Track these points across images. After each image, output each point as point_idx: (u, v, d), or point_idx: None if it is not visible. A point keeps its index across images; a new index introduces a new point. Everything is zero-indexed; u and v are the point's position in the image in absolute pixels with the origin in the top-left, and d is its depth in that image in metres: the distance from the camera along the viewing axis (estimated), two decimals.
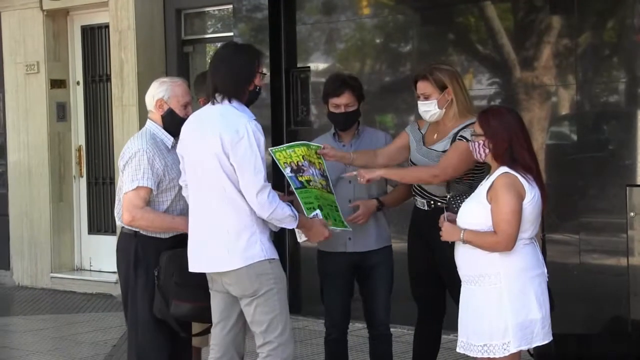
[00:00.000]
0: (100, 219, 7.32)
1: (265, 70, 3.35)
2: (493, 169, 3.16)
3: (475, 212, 3.13)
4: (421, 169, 3.67)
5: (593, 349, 4.42)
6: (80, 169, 7.39)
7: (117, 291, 6.86)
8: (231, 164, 3.18)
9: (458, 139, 3.58)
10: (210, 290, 3.36)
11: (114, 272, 6.99)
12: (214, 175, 3.21)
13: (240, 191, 3.20)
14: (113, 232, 6.95)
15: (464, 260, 3.17)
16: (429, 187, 3.72)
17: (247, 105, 3.31)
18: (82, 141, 7.39)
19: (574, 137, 5.04)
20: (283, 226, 3.28)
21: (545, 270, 3.16)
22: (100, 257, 7.27)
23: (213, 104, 3.27)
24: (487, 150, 3.14)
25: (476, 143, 3.17)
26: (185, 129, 3.36)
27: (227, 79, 3.23)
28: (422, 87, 3.70)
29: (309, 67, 5.97)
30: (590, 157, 4.91)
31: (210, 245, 3.26)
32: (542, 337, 3.09)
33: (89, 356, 5.38)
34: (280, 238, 5.95)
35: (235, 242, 3.21)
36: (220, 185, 3.21)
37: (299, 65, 5.99)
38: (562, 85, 5.04)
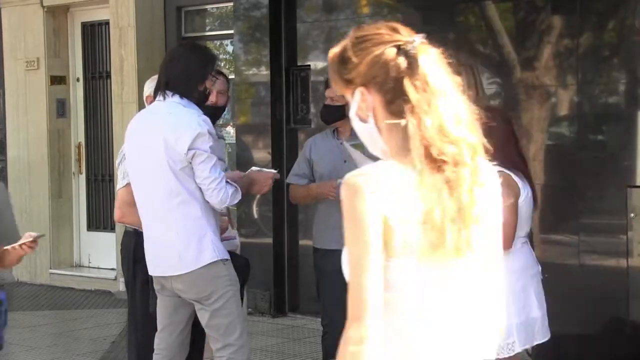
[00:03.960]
0: (100, 216, 7.29)
1: (217, 75, 3.35)
2: None
3: None
4: None
5: (592, 349, 4.39)
6: (80, 166, 7.36)
7: (115, 287, 6.83)
8: (180, 163, 3.12)
9: None
10: (157, 294, 3.31)
11: (113, 269, 7.00)
12: (161, 176, 3.14)
13: (189, 191, 3.14)
14: (112, 229, 6.91)
15: None
16: None
17: (197, 104, 3.26)
18: (81, 138, 7.36)
19: (574, 137, 5.02)
20: (233, 203, 3.23)
21: (540, 269, 3.15)
22: (99, 253, 7.23)
23: (164, 99, 3.22)
24: None
25: None
26: (130, 127, 3.32)
27: (180, 75, 3.20)
28: None
29: (308, 65, 5.93)
30: (590, 158, 4.88)
31: (163, 248, 3.21)
32: (542, 334, 3.08)
33: (87, 352, 5.34)
34: (278, 235, 5.92)
35: (186, 245, 3.15)
36: (168, 186, 3.15)
37: (298, 63, 5.95)
38: (563, 85, 5.01)
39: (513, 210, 3.01)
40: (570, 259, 4.85)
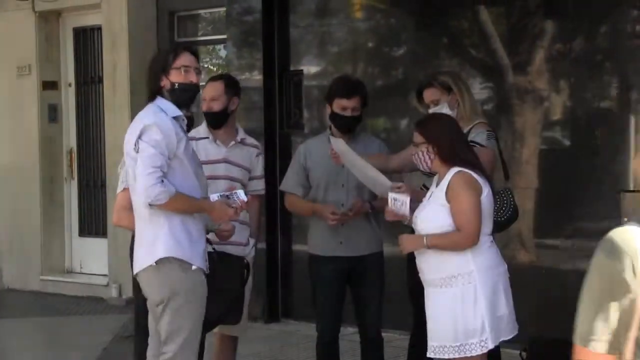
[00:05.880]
0: (91, 222, 7.25)
1: (179, 66, 3.20)
2: (442, 174, 3.19)
3: (434, 215, 3.16)
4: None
5: None
6: (72, 172, 7.32)
7: (107, 294, 6.79)
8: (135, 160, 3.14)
9: (471, 143, 3.51)
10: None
11: (105, 275, 6.96)
12: (130, 175, 3.21)
13: None
14: (104, 235, 6.88)
15: (431, 264, 3.18)
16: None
17: (181, 104, 3.24)
18: (73, 143, 7.32)
19: (567, 142, 5.03)
20: (158, 204, 3.09)
21: (506, 267, 3.21)
22: (90, 259, 7.19)
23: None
24: (432, 156, 3.19)
25: (419, 153, 3.21)
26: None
27: (146, 78, 3.26)
28: (430, 94, 3.72)
29: (301, 70, 5.93)
30: (583, 163, 4.89)
31: (135, 247, 3.26)
32: (509, 331, 3.15)
33: (79, 359, 5.29)
34: (271, 240, 5.90)
35: (141, 243, 3.18)
36: (131, 186, 3.21)
37: (291, 68, 5.95)
38: (556, 90, 5.02)
39: (476, 207, 3.09)
40: (565, 263, 4.85)
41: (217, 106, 3.82)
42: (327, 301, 3.88)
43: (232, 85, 3.92)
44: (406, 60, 5.64)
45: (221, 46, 6.61)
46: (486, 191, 3.13)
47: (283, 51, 5.94)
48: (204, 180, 3.50)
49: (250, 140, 4.02)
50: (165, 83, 3.20)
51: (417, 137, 3.22)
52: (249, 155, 3.95)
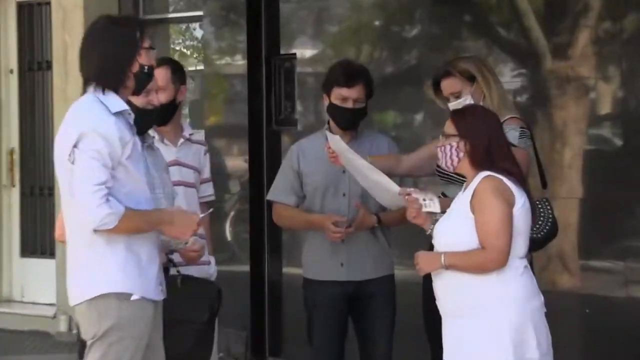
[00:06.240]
0: (36, 239, 7.24)
1: (148, 45, 3.18)
2: (470, 178, 3.20)
3: (456, 229, 3.15)
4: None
5: None
6: (12, 177, 7.31)
7: (55, 328, 6.76)
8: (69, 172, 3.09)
9: None
10: None
11: (52, 304, 6.93)
12: (64, 189, 3.13)
13: None
14: (51, 255, 6.86)
15: (448, 290, 3.19)
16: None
17: (139, 90, 3.24)
18: (14, 143, 7.31)
19: (619, 141, 5.04)
20: (105, 228, 3.05)
21: (543, 299, 3.20)
22: (34, 285, 7.18)
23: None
24: (460, 155, 3.19)
25: (447, 146, 3.21)
26: None
27: (101, 64, 3.12)
28: (449, 84, 3.74)
29: (294, 54, 5.94)
30: (638, 166, 4.88)
31: (68, 273, 3.23)
32: None
33: None
34: (257, 262, 5.89)
35: (77, 272, 3.15)
36: (65, 201, 3.15)
37: (282, 52, 5.95)
38: (604, 78, 5.03)
39: (505, 221, 3.07)
40: (615, 289, 4.86)
41: (164, 97, 3.82)
42: (325, 336, 3.89)
43: (179, 72, 3.96)
44: (421, 41, 5.66)
45: (196, 25, 6.62)
46: (520, 202, 3.12)
47: (272, 32, 5.94)
48: (168, 188, 3.49)
49: (197, 136, 4.12)
50: (135, 66, 3.16)
51: (450, 128, 3.22)
52: (198, 154, 4.04)
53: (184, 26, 6.81)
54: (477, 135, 3.17)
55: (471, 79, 3.70)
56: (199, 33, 6.61)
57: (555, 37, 5.14)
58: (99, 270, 3.09)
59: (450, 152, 3.20)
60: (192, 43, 6.80)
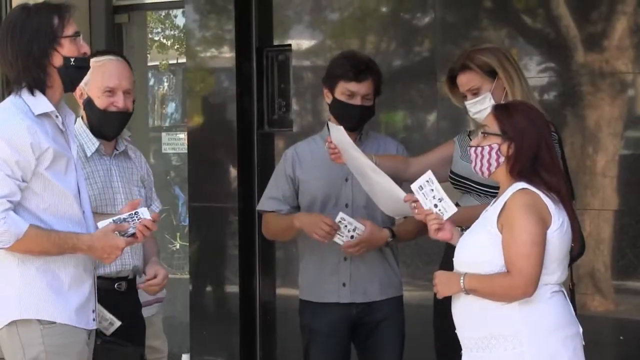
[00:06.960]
0: None
1: (72, 33, 3.11)
2: (503, 187, 3.14)
3: (480, 247, 3.10)
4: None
5: None
6: None
7: None
8: None
9: None
10: None
11: None
12: None
13: None
14: None
15: (467, 317, 3.15)
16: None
17: (73, 86, 3.19)
18: None
19: None
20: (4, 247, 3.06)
21: (581, 330, 3.16)
22: None
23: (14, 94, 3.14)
24: (501, 159, 3.11)
25: (486, 147, 3.12)
26: None
27: (15, 62, 3.08)
28: (466, 79, 3.75)
29: (289, 45, 5.96)
30: None
31: None
32: None
33: None
34: (246, 282, 5.90)
35: None
36: None
37: (275, 43, 5.98)
38: None
39: (537, 242, 3.02)
40: None
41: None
42: None
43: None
44: (434, 31, 5.67)
45: (178, 12, 6.64)
46: (557, 224, 3.05)
47: (264, 20, 5.96)
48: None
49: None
50: (55, 59, 3.10)
51: (492, 125, 3.14)
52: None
53: (163, 13, 6.83)
54: (525, 137, 3.08)
55: (491, 73, 3.71)
56: (180, 21, 6.63)
57: (588, 26, 5.15)
58: (9, 294, 3.08)
59: (489, 154, 3.11)
60: (172, 32, 6.82)
